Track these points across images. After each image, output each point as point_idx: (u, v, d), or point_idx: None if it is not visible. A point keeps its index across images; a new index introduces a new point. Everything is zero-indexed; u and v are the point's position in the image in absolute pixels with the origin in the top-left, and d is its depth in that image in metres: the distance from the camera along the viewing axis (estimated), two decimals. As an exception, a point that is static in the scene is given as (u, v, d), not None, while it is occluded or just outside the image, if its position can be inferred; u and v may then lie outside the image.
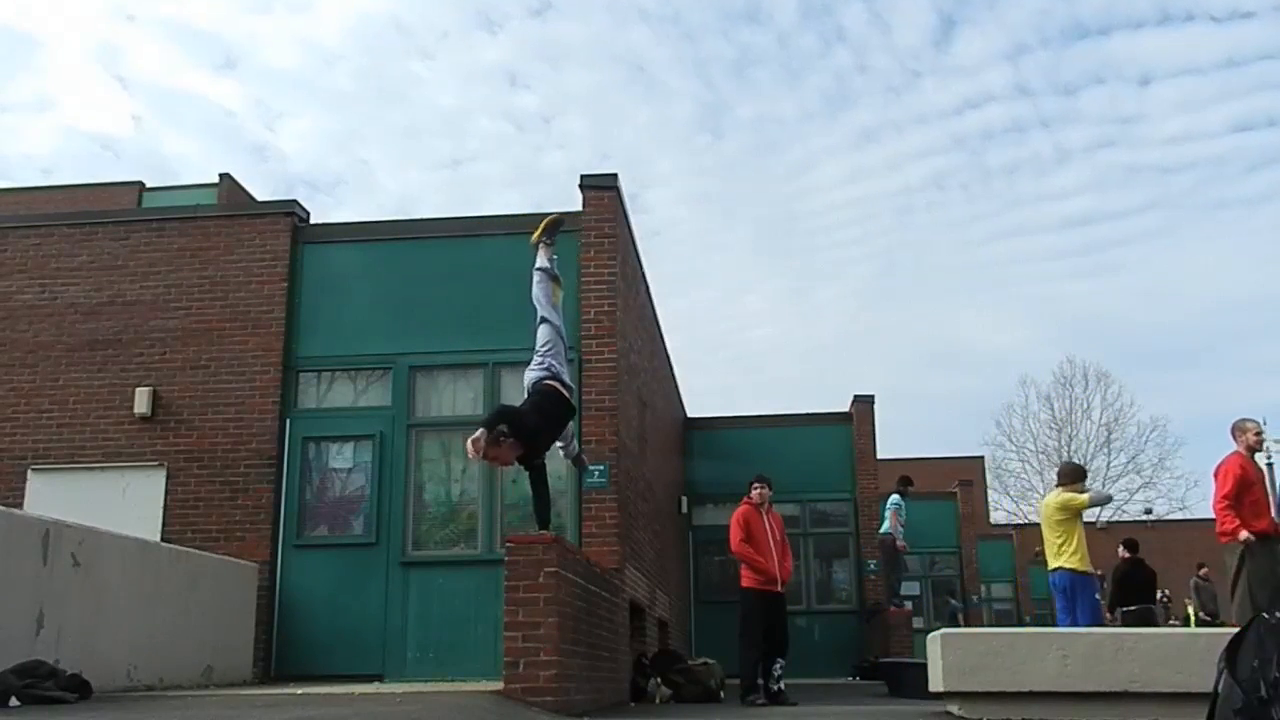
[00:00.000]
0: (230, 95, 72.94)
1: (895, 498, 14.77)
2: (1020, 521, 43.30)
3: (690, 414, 17.49)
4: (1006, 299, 69.31)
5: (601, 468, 8.73)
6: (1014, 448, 47.81)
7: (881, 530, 15.00)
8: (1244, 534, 7.69)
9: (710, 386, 66.64)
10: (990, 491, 43.44)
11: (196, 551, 8.25)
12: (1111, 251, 70.99)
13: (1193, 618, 18.18)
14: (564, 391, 6.48)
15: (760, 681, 8.70)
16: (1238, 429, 8.13)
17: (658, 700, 9.07)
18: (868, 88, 73.43)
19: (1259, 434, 8.21)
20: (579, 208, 9.31)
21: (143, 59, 69.86)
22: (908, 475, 15.52)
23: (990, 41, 70.67)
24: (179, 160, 70.62)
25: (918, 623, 17.31)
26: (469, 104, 75.58)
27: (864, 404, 17.37)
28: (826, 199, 74.01)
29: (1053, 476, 49.83)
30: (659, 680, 9.29)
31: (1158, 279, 68.16)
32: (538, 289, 6.82)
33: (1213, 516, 8.08)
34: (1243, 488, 7.87)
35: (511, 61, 75.86)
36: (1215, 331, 68.81)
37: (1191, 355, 69.12)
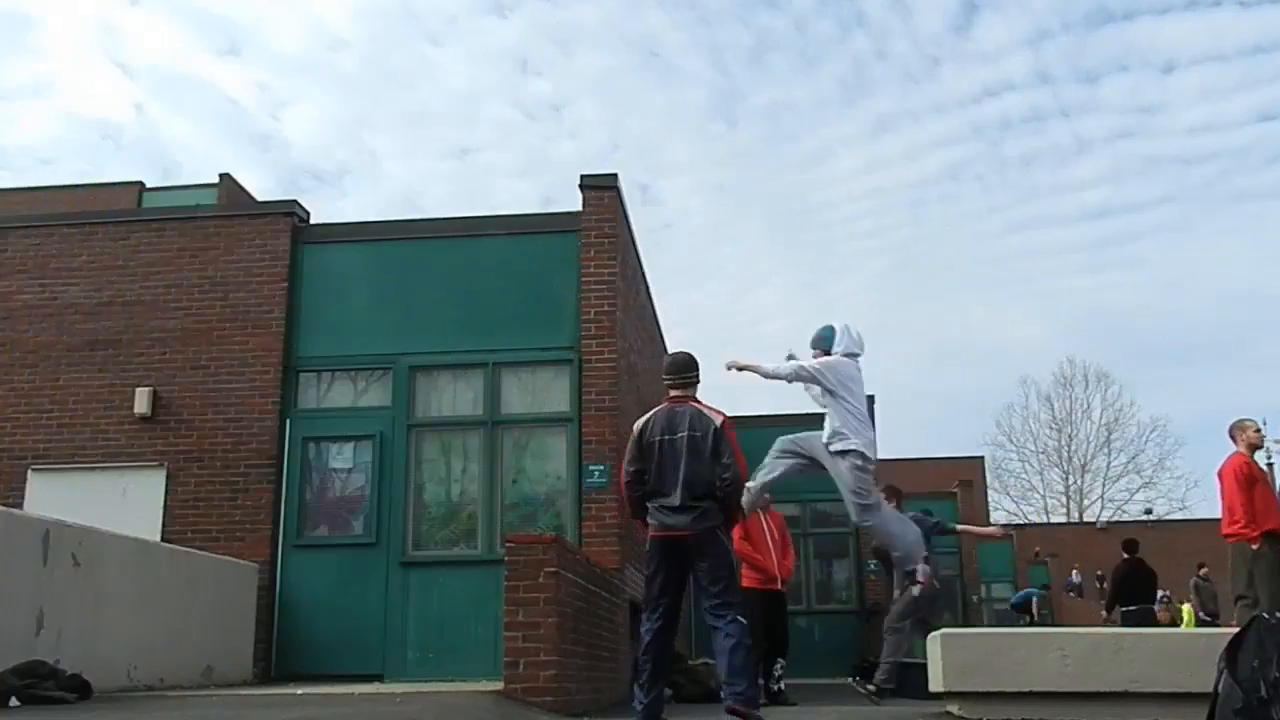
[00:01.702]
0: (234, 82, 72.85)
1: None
2: (1020, 521, 43.36)
3: (690, 414, 17.42)
4: (1020, 294, 69.23)
5: (601, 468, 8.73)
6: (1014, 448, 47.95)
7: None
8: (1256, 545, 7.71)
9: (711, 385, 66.51)
10: (990, 491, 43.49)
11: (196, 552, 8.26)
12: (1127, 245, 70.75)
13: (1188, 618, 18.16)
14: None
15: (760, 681, 8.70)
16: (1238, 428, 8.15)
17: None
18: (885, 75, 73.06)
19: (1258, 432, 8.24)
20: (579, 207, 9.34)
21: (144, 42, 69.72)
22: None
23: (1012, 27, 70.08)
24: (181, 149, 70.51)
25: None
26: (479, 91, 75.43)
27: (864, 404, 17.34)
28: (841, 190, 73.72)
29: (1053, 476, 48.95)
30: (659, 680, 9.29)
31: (1173, 274, 67.91)
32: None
33: (1214, 516, 8.09)
34: (1250, 485, 7.90)
35: (523, 46, 75.58)
36: (1228, 327, 68.51)
37: (1204, 351, 68.89)
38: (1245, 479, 7.88)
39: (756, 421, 17.93)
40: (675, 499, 5.49)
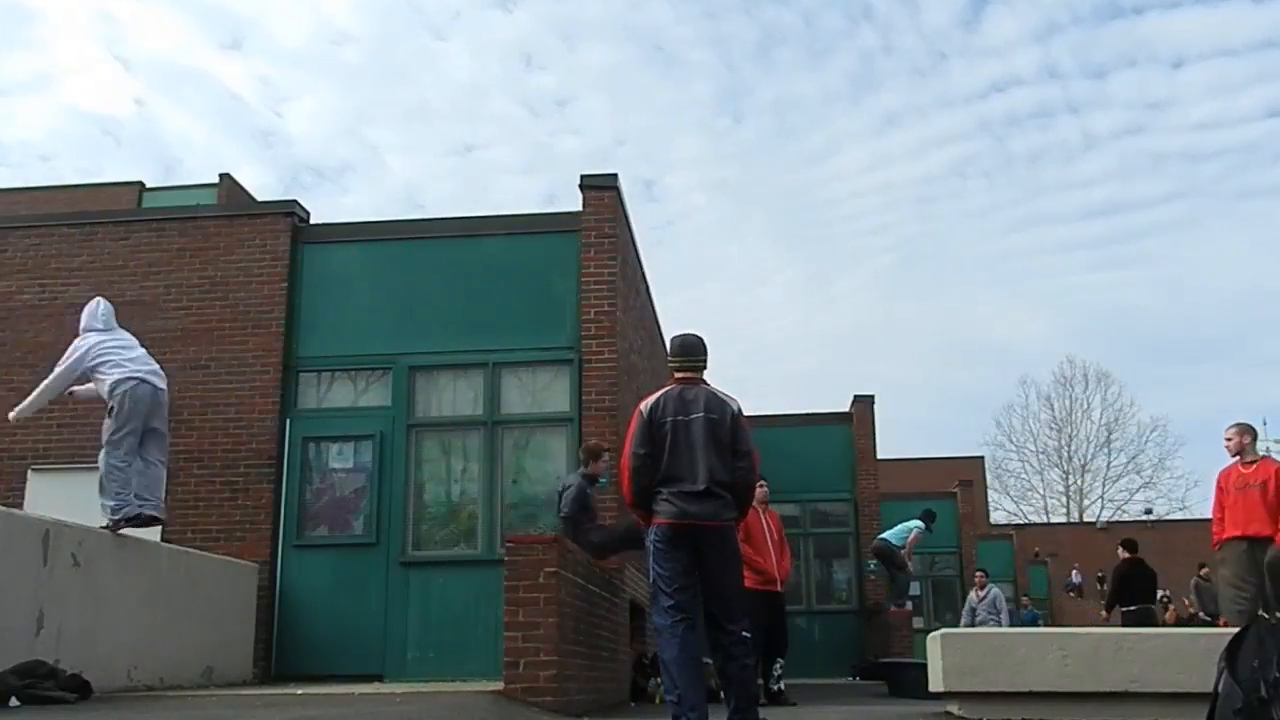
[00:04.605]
0: (236, 76, 72.70)
1: (920, 524, 14.40)
2: (1020, 521, 43.37)
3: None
4: (1026, 291, 68.97)
5: (601, 468, 8.71)
6: (1014, 448, 47.94)
7: (893, 541, 14.55)
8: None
9: (715, 382, 66.12)
10: (990, 491, 43.50)
11: (196, 551, 8.25)
12: (1132, 243, 70.41)
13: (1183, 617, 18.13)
14: None
15: (760, 681, 8.70)
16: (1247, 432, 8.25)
17: (658, 700, 9.06)
18: (893, 70, 72.68)
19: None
20: (580, 206, 9.34)
21: (145, 35, 69.59)
22: (933, 512, 15.14)
23: (1022, 21, 69.67)
24: (182, 145, 70.38)
25: (918, 623, 17.31)
26: (482, 87, 75.24)
27: (864, 404, 17.37)
28: (847, 187, 73.40)
29: (1053, 476, 48.88)
30: (659, 680, 9.28)
31: (1177, 271, 67.63)
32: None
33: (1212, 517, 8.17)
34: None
35: (527, 40, 75.35)
36: (1230, 325, 68.33)
37: (1205, 350, 68.69)
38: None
39: (756, 422, 18.01)
40: (699, 484, 4.97)
